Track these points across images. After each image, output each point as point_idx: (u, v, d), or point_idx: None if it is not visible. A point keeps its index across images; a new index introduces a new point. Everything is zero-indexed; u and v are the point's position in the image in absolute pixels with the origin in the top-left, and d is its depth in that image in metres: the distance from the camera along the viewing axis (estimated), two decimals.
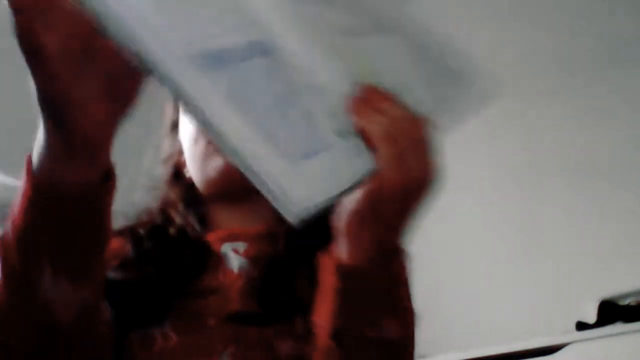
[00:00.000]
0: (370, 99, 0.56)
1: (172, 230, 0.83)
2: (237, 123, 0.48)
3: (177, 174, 0.89)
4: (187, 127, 0.85)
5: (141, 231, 0.82)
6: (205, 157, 0.82)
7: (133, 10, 0.46)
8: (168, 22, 0.48)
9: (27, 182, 0.55)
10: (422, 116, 0.57)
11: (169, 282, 0.76)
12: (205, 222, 0.85)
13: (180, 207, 0.85)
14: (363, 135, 0.55)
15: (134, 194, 0.90)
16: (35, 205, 0.55)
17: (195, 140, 0.83)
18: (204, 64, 0.48)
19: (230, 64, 0.50)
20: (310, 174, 0.50)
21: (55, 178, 0.53)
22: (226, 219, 0.84)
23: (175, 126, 0.90)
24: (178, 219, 0.84)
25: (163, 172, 0.91)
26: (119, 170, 0.90)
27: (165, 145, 0.92)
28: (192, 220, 0.84)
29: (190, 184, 0.86)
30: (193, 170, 0.85)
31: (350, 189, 0.54)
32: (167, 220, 0.84)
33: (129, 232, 0.82)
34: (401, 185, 0.56)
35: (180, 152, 0.88)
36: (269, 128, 0.50)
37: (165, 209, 0.86)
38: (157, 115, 0.93)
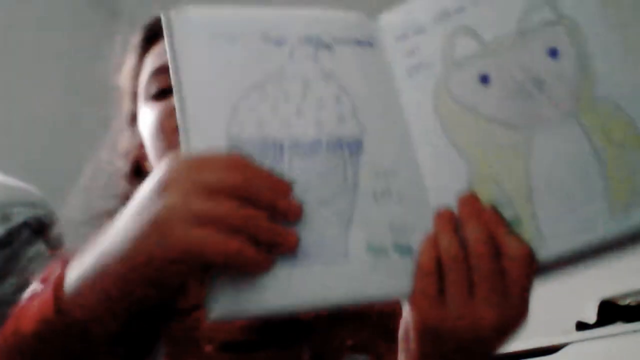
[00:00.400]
0: (461, 214, 0.50)
1: None
2: None
3: (138, 168, 0.82)
4: (147, 120, 0.79)
5: None
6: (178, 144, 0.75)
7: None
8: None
9: (52, 303, 0.50)
10: (528, 251, 0.48)
11: (152, 307, 0.68)
12: None
13: None
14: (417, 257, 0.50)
15: (92, 194, 0.84)
16: (55, 332, 0.50)
17: (161, 134, 0.76)
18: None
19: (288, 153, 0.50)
20: (297, 280, 0.47)
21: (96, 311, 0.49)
22: None
23: (133, 118, 0.83)
24: None
25: (123, 166, 0.84)
26: (75, 168, 0.85)
27: (123, 139, 0.86)
28: None
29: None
30: (159, 162, 0.78)
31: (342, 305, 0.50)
32: None
33: None
34: (438, 329, 0.49)
35: (141, 146, 0.81)
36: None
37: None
38: (113, 108, 0.88)
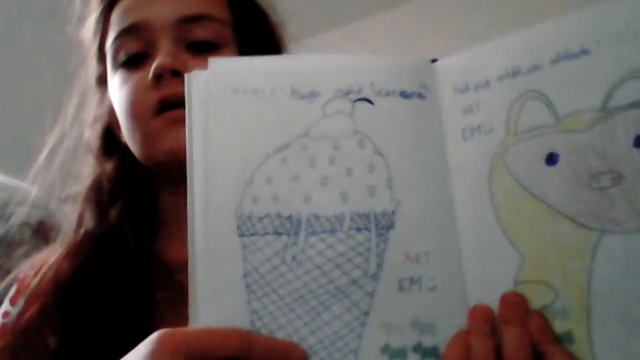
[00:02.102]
0: (502, 315, 0.43)
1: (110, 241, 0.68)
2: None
3: (110, 139, 0.74)
4: (119, 94, 0.69)
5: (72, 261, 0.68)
6: (159, 132, 0.66)
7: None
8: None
9: None
10: None
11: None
12: (153, 210, 0.71)
13: (119, 205, 0.70)
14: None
15: (53, 165, 0.75)
16: None
17: (135, 117, 0.68)
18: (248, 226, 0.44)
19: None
20: None
21: None
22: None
23: (102, 81, 0.74)
24: (114, 212, 0.69)
25: (90, 138, 0.75)
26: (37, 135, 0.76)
27: (90, 103, 0.76)
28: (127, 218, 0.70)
29: (127, 153, 0.71)
30: (136, 146, 0.69)
31: None
32: (101, 217, 0.70)
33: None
34: None
35: (112, 111, 0.72)
36: (291, 316, 0.43)
37: (94, 201, 0.71)
38: (78, 68, 0.77)
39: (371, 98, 0.47)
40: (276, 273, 0.44)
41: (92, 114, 0.76)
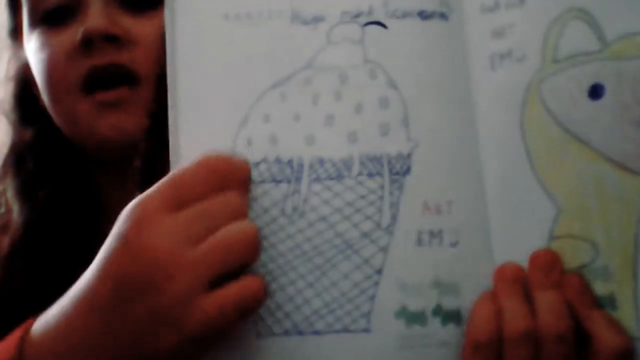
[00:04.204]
0: (532, 276, 0.37)
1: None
2: None
3: (28, 102, 0.65)
4: (36, 58, 0.61)
5: None
6: (88, 117, 0.59)
7: None
8: None
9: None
10: (627, 345, 0.36)
11: None
12: (92, 191, 0.64)
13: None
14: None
15: None
16: None
17: (53, 90, 0.60)
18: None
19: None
20: (302, 352, 0.38)
21: None
22: (117, 193, 0.60)
23: (16, 34, 0.65)
24: (42, 194, 0.62)
25: (4, 97, 0.67)
26: None
27: (1, 60, 0.68)
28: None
29: (51, 122, 0.63)
30: (60, 124, 0.62)
31: None
32: (26, 199, 0.62)
33: None
34: None
35: (29, 70, 0.64)
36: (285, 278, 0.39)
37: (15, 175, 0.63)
38: None
39: (384, 21, 0.41)
40: (275, 227, 0.39)
41: (3, 71, 0.67)
